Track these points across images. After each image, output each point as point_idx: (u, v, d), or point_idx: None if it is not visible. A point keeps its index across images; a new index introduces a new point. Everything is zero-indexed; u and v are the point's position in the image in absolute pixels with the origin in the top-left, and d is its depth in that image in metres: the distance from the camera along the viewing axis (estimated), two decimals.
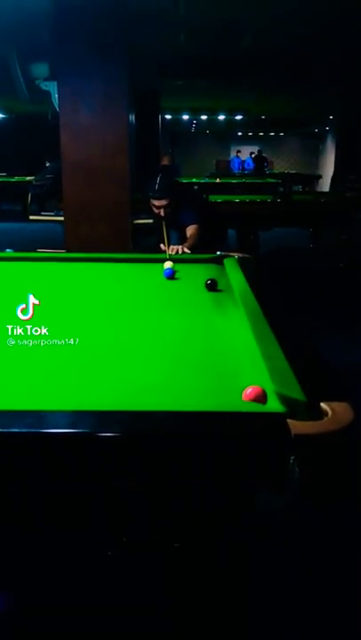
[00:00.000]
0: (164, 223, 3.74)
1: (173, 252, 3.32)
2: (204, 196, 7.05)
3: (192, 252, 3.57)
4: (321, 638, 2.07)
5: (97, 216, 5.50)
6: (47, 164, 13.71)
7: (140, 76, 7.51)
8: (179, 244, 3.55)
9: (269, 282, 2.63)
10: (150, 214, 4.16)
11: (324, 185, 19.48)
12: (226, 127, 22.47)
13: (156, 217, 4.01)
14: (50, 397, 1.36)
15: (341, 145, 18.06)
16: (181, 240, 3.86)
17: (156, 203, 3.89)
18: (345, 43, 7.87)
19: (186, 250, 3.43)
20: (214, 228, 4.29)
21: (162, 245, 3.59)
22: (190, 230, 3.89)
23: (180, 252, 3.38)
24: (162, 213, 3.88)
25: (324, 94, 13.54)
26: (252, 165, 21.79)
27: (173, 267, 2.79)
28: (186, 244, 3.61)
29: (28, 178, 13.13)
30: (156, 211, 3.95)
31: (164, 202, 3.87)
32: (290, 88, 12.11)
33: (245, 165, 22.94)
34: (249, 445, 1.16)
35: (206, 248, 3.59)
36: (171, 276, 2.73)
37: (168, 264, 2.80)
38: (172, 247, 3.40)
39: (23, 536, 2.17)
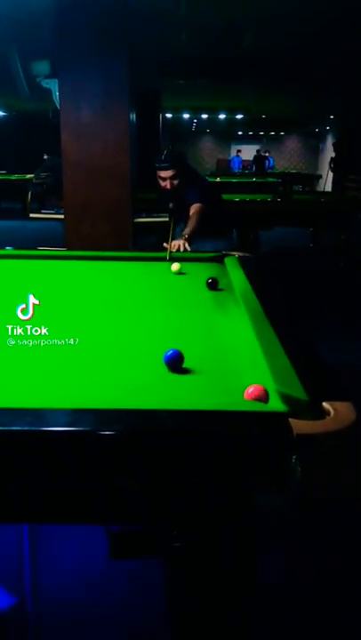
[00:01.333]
0: (171, 224, 3.72)
1: (175, 249, 3.30)
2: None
3: (194, 241, 3.56)
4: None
5: (97, 214, 5.50)
6: (45, 157, 13.75)
7: (141, 76, 7.51)
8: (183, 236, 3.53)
9: (270, 281, 2.63)
10: (157, 190, 4.05)
11: (322, 184, 19.47)
12: (226, 126, 22.49)
13: (163, 192, 3.94)
14: (50, 396, 1.36)
15: (342, 145, 18.03)
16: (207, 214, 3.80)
17: (162, 174, 3.84)
18: (345, 43, 7.87)
19: (187, 247, 3.40)
20: (219, 218, 4.20)
21: (165, 244, 3.56)
22: (193, 209, 3.81)
23: (181, 248, 3.35)
24: (168, 186, 3.83)
25: (324, 94, 13.55)
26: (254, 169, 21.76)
27: (180, 269, 2.78)
28: (187, 229, 3.59)
29: (28, 176, 13.16)
30: (162, 184, 3.89)
31: (169, 172, 3.82)
32: (290, 88, 12.14)
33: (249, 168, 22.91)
34: (251, 445, 1.16)
35: (211, 238, 3.59)
36: (170, 360, 1.67)
37: (175, 266, 2.79)
38: (173, 243, 3.37)
39: (23, 534, 2.17)
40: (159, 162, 3.86)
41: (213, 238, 4.01)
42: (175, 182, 3.84)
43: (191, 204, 3.86)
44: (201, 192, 4.00)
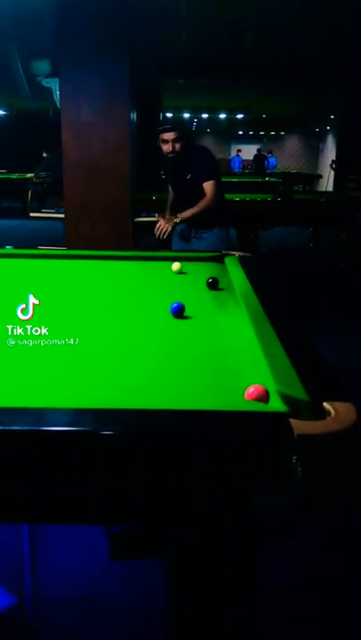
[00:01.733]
0: (168, 200, 3.80)
1: (163, 231, 3.62)
2: None
3: (194, 233, 3.69)
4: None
5: (98, 214, 5.50)
6: (44, 155, 13.78)
7: (142, 75, 7.51)
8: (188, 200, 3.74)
9: (270, 281, 2.62)
10: (160, 154, 4.06)
11: (323, 184, 19.47)
12: (227, 126, 22.49)
13: (166, 157, 3.95)
14: (50, 396, 1.36)
15: (342, 145, 18.07)
16: (199, 194, 3.88)
17: (165, 136, 3.86)
18: (345, 42, 7.87)
19: (168, 230, 3.61)
20: (221, 205, 4.23)
21: (156, 215, 3.71)
22: (207, 187, 3.88)
23: (163, 229, 3.67)
24: (170, 149, 3.86)
25: (324, 94, 13.55)
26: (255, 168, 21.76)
27: (181, 268, 2.77)
28: (191, 210, 3.76)
29: (29, 175, 13.17)
30: (164, 147, 3.90)
31: (172, 134, 3.84)
32: (290, 88, 12.12)
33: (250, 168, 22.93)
34: (251, 445, 1.16)
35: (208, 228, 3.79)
36: (177, 311, 2.14)
37: (175, 266, 2.79)
38: (164, 220, 3.62)
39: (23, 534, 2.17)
40: (162, 125, 3.93)
41: (211, 228, 4.03)
42: (177, 146, 3.86)
43: (204, 180, 3.90)
44: (213, 167, 4.04)
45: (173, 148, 3.84)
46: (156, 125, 3.95)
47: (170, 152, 3.86)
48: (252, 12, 6.46)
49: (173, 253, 3.15)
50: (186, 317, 2.08)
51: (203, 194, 3.90)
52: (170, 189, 4.31)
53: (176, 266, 2.79)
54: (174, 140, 3.83)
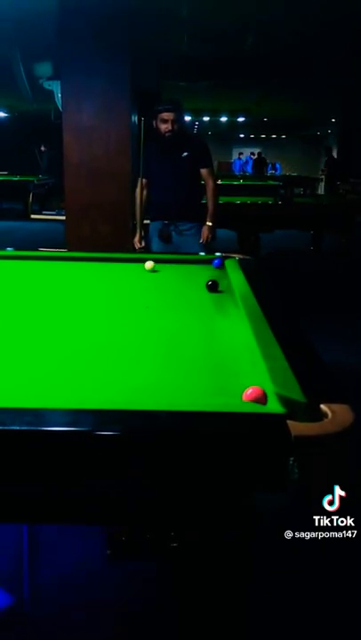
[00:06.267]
0: (139, 202, 4.07)
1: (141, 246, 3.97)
2: None
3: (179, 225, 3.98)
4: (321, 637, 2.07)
5: (99, 216, 5.51)
6: (42, 148, 13.90)
7: (143, 78, 7.53)
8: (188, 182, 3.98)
9: (270, 283, 2.63)
10: (156, 134, 4.09)
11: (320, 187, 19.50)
12: (228, 129, 22.53)
13: (162, 137, 4.00)
14: (49, 396, 1.36)
15: (343, 147, 18.09)
16: (190, 176, 4.03)
17: (165, 115, 3.93)
18: (346, 43, 7.88)
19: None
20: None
21: (136, 241, 4.10)
22: (208, 174, 4.10)
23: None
24: (169, 128, 3.93)
25: (325, 96, 13.57)
26: (251, 171, 21.81)
27: (154, 267, 2.79)
28: (211, 213, 3.98)
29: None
30: (163, 127, 3.96)
31: (172, 115, 3.92)
32: (291, 90, 12.14)
33: (246, 167, 22.98)
34: (249, 446, 1.16)
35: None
36: (220, 265, 2.83)
37: (149, 264, 2.79)
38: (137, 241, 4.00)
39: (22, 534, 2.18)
40: (162, 105, 4.02)
41: (192, 221, 4.10)
42: (175, 126, 3.95)
43: (205, 166, 4.08)
44: (209, 156, 4.20)
45: (172, 127, 3.91)
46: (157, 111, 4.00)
47: (168, 131, 3.93)
48: (252, 14, 6.48)
49: (174, 256, 3.15)
50: (185, 319, 2.10)
51: (192, 175, 4.08)
52: (142, 183, 4.27)
53: (149, 264, 2.78)
54: (173, 121, 3.91)
